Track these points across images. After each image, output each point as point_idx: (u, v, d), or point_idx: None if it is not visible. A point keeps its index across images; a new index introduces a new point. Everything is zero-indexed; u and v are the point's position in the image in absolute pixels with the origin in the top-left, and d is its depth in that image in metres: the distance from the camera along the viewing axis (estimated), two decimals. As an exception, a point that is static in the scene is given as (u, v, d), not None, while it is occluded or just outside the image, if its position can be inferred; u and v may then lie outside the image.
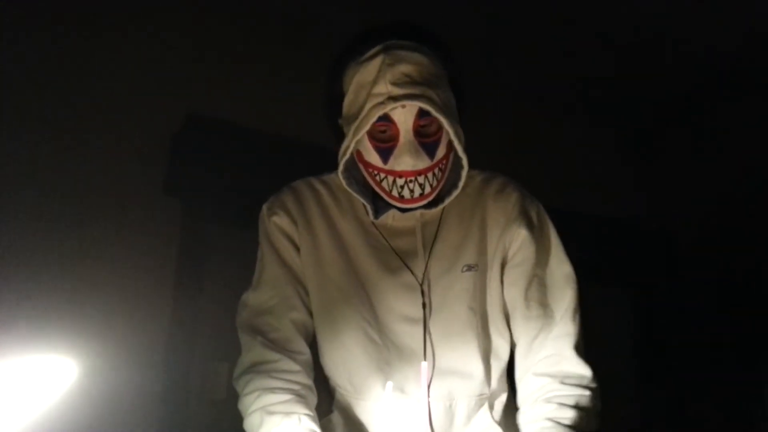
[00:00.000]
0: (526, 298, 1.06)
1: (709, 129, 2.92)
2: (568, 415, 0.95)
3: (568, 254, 1.11)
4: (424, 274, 1.05)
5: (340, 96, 1.06)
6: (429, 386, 1.02)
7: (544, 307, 1.05)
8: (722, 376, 2.62)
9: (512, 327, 1.09)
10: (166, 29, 2.20)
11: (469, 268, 1.07)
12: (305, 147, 2.19)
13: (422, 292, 1.05)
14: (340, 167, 1.03)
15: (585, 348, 1.04)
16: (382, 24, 1.06)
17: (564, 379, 0.99)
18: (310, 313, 1.09)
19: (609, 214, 2.84)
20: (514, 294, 1.08)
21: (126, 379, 1.79)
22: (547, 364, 1.02)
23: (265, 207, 1.13)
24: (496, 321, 1.08)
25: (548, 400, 0.97)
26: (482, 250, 1.09)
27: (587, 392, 0.98)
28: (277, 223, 1.10)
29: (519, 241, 1.08)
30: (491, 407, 1.07)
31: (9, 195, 1.80)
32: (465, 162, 1.02)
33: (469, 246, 1.08)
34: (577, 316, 1.05)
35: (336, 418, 1.08)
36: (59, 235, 1.84)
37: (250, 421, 0.97)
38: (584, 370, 1.00)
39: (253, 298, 1.08)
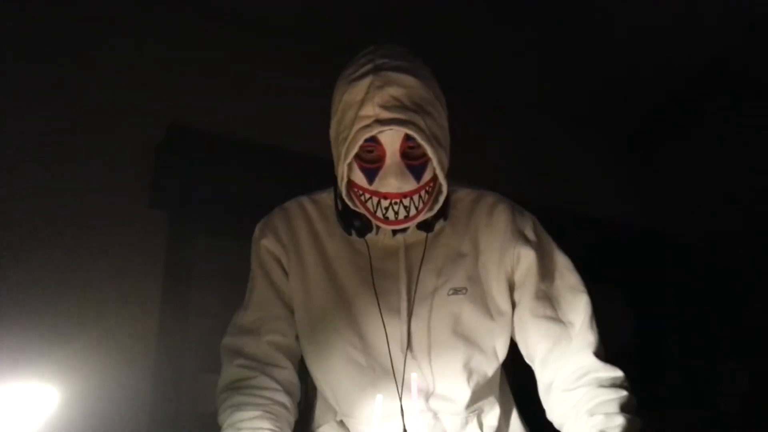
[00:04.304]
0: (536, 315, 1.05)
1: (702, 130, 2.93)
2: (619, 422, 0.92)
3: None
4: (408, 297, 1.04)
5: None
6: (409, 402, 1.00)
7: (557, 321, 1.04)
8: (719, 377, 2.62)
9: (526, 343, 1.07)
10: (147, 39, 2.18)
11: (456, 291, 1.05)
12: (289, 156, 2.18)
13: (407, 315, 1.04)
14: (343, 191, 1.02)
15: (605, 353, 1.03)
16: (376, 46, 1.03)
17: (601, 383, 0.98)
18: (296, 337, 1.10)
19: (603, 215, 2.83)
20: (523, 312, 1.07)
21: (112, 396, 1.76)
22: (576, 376, 1.00)
23: (257, 229, 1.13)
24: (484, 345, 1.06)
25: (592, 412, 0.95)
26: (474, 274, 1.07)
27: (624, 392, 0.97)
28: (266, 246, 1.10)
29: (521, 260, 1.07)
30: (480, 424, 1.07)
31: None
32: (444, 188, 1.01)
33: (458, 270, 1.07)
34: (594, 324, 1.04)
35: None
36: (41, 251, 1.81)
37: None
38: (615, 373, 0.99)
39: (240, 317, 1.10)
